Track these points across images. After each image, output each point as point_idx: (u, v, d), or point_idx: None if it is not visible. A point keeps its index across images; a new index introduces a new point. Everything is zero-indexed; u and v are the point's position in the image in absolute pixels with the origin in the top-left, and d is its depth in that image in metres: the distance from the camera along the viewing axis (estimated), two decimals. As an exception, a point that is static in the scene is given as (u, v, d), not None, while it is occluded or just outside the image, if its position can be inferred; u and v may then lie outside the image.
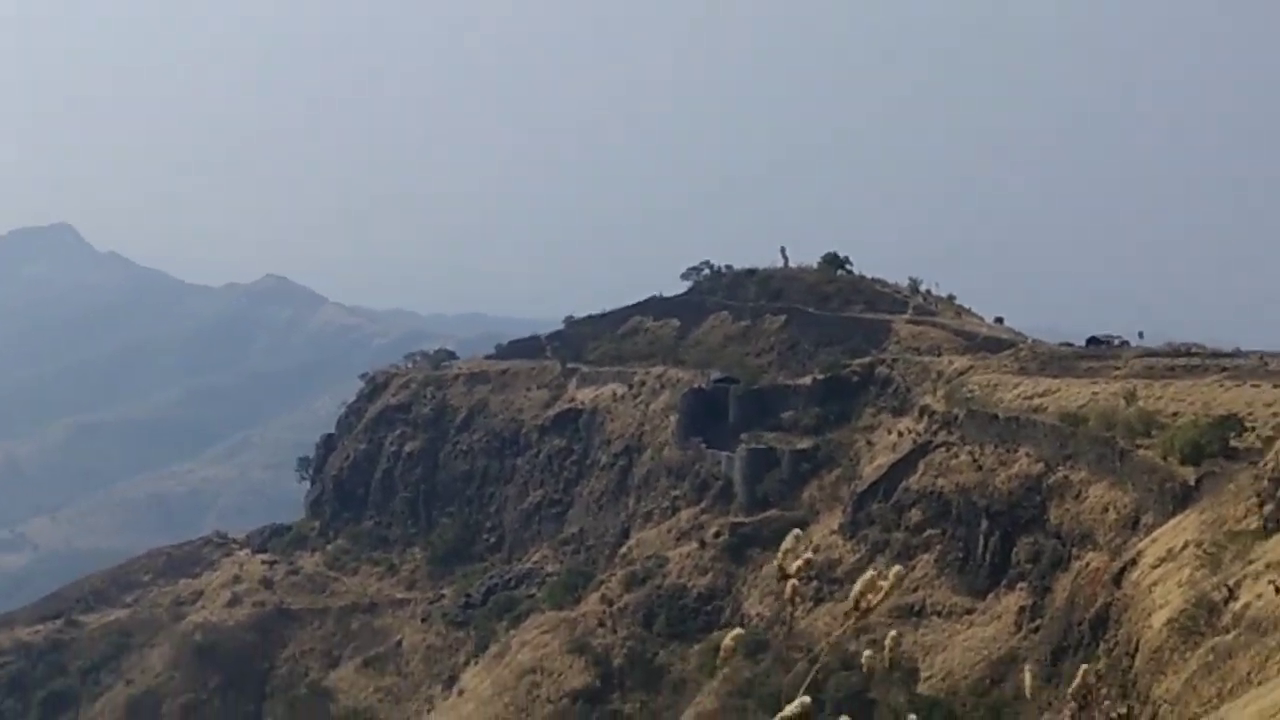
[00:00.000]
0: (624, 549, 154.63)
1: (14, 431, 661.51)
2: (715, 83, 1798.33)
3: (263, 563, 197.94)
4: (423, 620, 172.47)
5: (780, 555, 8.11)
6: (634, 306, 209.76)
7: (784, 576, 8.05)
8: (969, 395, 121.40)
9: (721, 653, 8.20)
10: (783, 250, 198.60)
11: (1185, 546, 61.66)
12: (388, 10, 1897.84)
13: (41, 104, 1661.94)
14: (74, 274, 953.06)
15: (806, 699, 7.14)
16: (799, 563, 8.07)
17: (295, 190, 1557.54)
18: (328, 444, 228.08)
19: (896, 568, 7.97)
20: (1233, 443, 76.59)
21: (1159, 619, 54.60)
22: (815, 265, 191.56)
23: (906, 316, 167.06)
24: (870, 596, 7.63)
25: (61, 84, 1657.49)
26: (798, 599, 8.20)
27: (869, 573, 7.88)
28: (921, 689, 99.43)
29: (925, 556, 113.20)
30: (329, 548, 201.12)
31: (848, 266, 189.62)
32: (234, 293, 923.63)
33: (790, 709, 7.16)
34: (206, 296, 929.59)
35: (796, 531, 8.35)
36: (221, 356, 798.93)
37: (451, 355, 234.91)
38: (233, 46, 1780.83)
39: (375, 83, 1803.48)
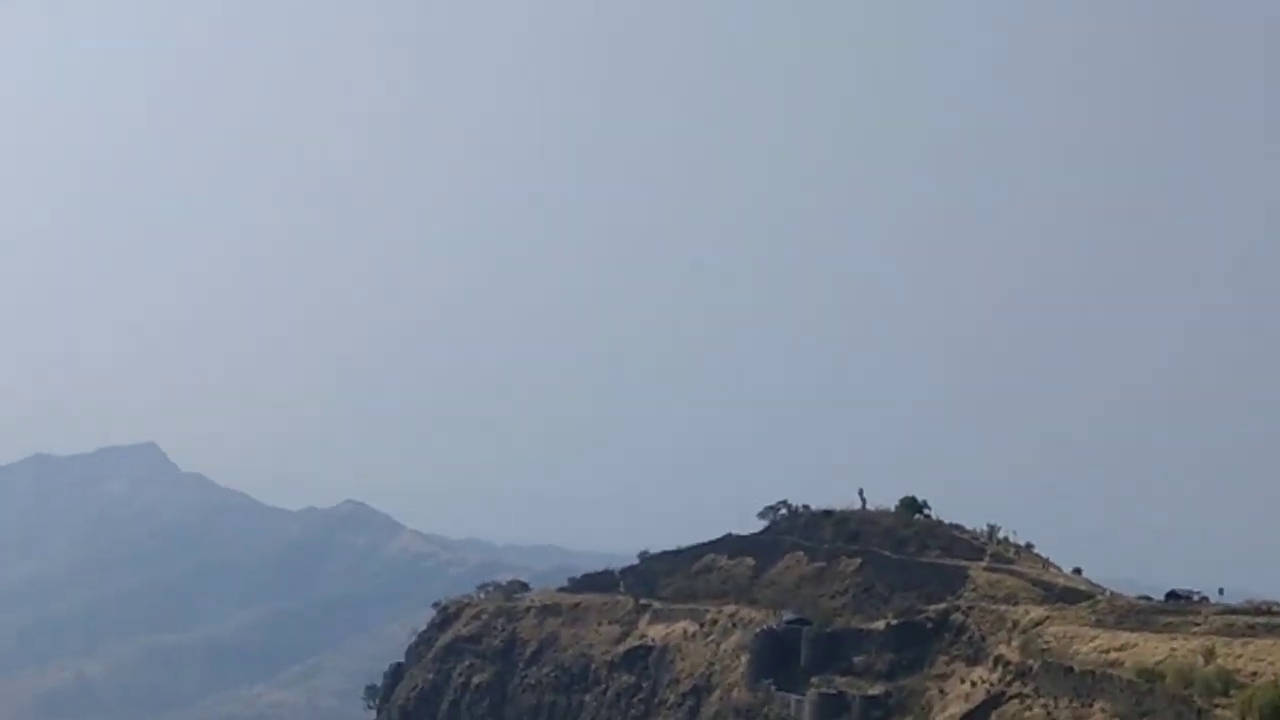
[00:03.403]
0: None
1: (86, 649, 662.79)
2: (790, 312, 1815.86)
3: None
4: None
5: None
6: (709, 544, 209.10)
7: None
8: (1045, 646, 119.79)
9: None
10: (860, 492, 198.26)
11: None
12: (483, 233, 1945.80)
13: (133, 324, 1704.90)
14: (156, 493, 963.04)
15: None
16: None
17: (378, 416, 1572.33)
18: (396, 673, 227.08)
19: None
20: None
21: None
22: (893, 508, 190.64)
23: (984, 564, 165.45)
24: None
25: (156, 307, 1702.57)
26: None
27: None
28: None
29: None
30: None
31: (926, 510, 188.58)
32: (312, 517, 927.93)
33: None
34: (285, 520, 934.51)
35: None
36: (297, 581, 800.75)
37: (525, 587, 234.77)
38: (317, 275, 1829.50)
39: (452, 308, 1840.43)
